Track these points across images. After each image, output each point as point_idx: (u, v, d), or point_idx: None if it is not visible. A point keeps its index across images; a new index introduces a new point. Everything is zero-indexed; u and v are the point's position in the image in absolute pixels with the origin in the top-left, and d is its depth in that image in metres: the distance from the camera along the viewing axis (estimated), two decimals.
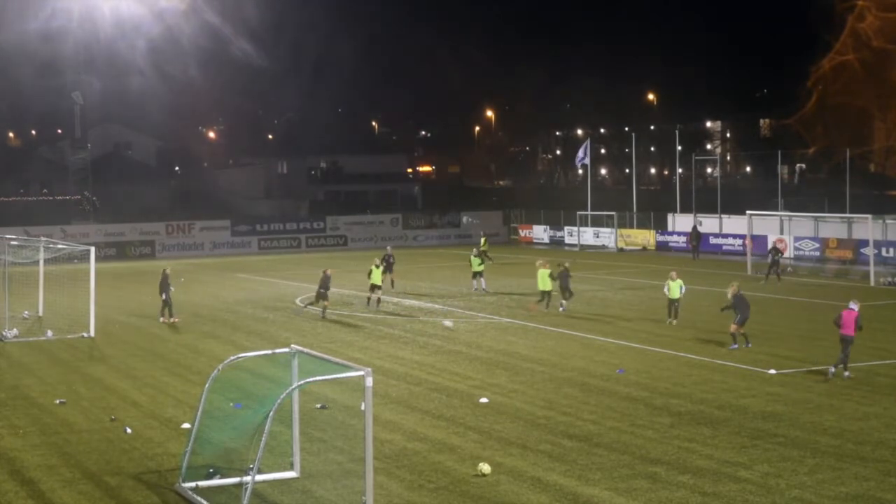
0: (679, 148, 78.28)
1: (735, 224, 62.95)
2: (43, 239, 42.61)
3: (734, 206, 64.79)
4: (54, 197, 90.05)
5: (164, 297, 37.64)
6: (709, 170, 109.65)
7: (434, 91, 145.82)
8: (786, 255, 58.90)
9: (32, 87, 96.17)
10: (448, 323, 29.89)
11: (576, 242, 71.57)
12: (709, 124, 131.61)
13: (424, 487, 17.89)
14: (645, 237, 68.62)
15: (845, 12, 71.52)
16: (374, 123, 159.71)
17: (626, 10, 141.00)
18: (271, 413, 16.19)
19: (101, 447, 20.78)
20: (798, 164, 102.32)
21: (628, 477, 18.20)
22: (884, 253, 53.38)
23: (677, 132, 79.06)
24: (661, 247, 66.69)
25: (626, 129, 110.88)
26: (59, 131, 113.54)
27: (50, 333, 34.84)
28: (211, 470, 18.43)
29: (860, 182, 78.69)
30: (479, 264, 45.56)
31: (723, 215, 65.46)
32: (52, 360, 30.59)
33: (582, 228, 71.90)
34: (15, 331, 35.01)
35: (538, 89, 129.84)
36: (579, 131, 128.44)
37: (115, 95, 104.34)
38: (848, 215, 57.46)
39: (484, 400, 24.11)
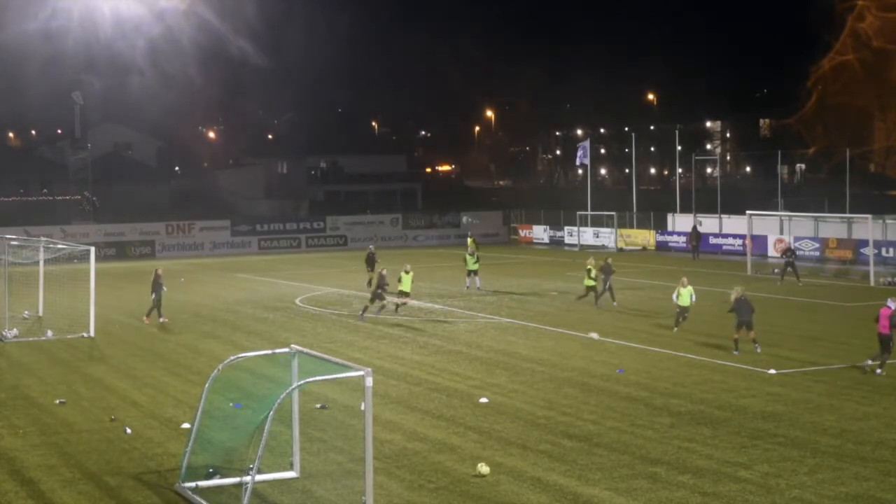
0: (679, 148, 78.27)
1: (735, 224, 62.95)
2: (43, 239, 42.62)
3: (734, 206, 64.79)
4: (54, 197, 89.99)
5: (153, 296, 37.56)
6: (709, 170, 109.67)
7: (434, 91, 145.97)
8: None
9: (32, 87, 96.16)
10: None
11: (576, 242, 71.56)
12: (709, 124, 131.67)
13: (424, 487, 17.89)
14: (645, 237, 68.61)
15: (845, 12, 71.54)
16: (374, 123, 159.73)
17: (626, 10, 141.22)
18: (271, 413, 16.19)
19: (101, 447, 20.79)
20: (798, 164, 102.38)
21: (628, 477, 18.20)
22: (884, 253, 53.37)
23: (677, 132, 79.06)
24: (661, 247, 66.69)
25: (626, 129, 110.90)
26: (59, 131, 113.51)
27: (50, 333, 34.83)
28: (211, 470, 18.43)
29: (860, 182, 78.74)
30: (475, 263, 45.75)
31: (723, 215, 65.45)
32: (52, 360, 30.59)
33: (582, 228, 71.90)
34: (15, 331, 35.01)
35: (538, 89, 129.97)
36: (579, 131, 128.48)
37: (115, 95, 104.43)
38: (848, 215, 57.46)
39: (484, 400, 24.12)
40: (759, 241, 58.86)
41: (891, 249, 54.14)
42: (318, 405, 23.34)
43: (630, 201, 73.94)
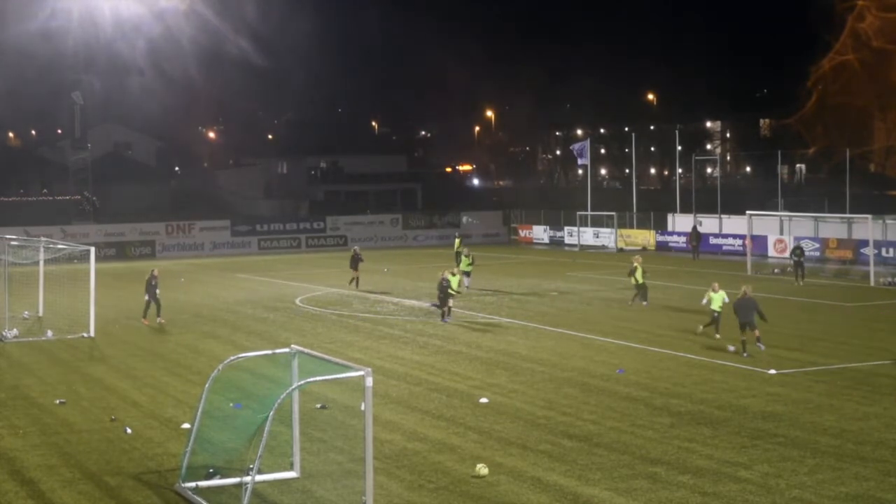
0: (679, 148, 78.28)
1: (735, 224, 62.96)
2: (43, 239, 42.62)
3: (734, 206, 64.80)
4: (54, 197, 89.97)
5: (146, 297, 37.50)
6: (709, 170, 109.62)
7: (434, 91, 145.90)
8: (786, 255, 58.90)
9: (32, 87, 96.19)
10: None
11: (576, 243, 71.58)
12: (709, 124, 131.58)
13: (424, 487, 17.90)
14: (645, 237, 68.62)
15: (845, 12, 71.51)
16: (374, 123, 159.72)
17: (626, 10, 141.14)
18: (271, 413, 16.19)
19: (101, 447, 20.78)
20: (798, 164, 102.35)
21: (628, 477, 18.20)
22: (884, 253, 53.38)
23: (677, 132, 79.06)
24: (661, 247, 66.69)
25: (626, 129, 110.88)
26: (59, 131, 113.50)
27: (50, 333, 34.84)
28: (211, 470, 18.43)
29: (860, 182, 78.70)
30: (468, 264, 45.82)
31: (723, 215, 65.47)
32: (52, 360, 30.59)
33: (582, 228, 71.91)
34: (15, 331, 35.01)
35: (538, 89, 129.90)
36: (579, 131, 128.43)
37: (115, 95, 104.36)
38: (848, 215, 57.47)
39: (484, 400, 24.12)
40: (759, 241, 58.87)
41: (891, 249, 54.15)
42: (318, 405, 23.34)
43: (630, 201, 73.97)
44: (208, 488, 17.77)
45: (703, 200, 68.71)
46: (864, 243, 51.74)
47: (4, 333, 34.68)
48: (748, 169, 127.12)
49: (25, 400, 25.28)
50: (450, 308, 36.89)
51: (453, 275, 37.79)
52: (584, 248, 70.01)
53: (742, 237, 58.89)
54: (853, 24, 71.24)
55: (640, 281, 39.36)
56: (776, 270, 51.98)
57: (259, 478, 16.99)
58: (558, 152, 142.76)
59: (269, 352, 20.46)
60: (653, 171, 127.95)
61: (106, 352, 31.91)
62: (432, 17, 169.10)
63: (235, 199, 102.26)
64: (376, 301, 42.95)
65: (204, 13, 79.63)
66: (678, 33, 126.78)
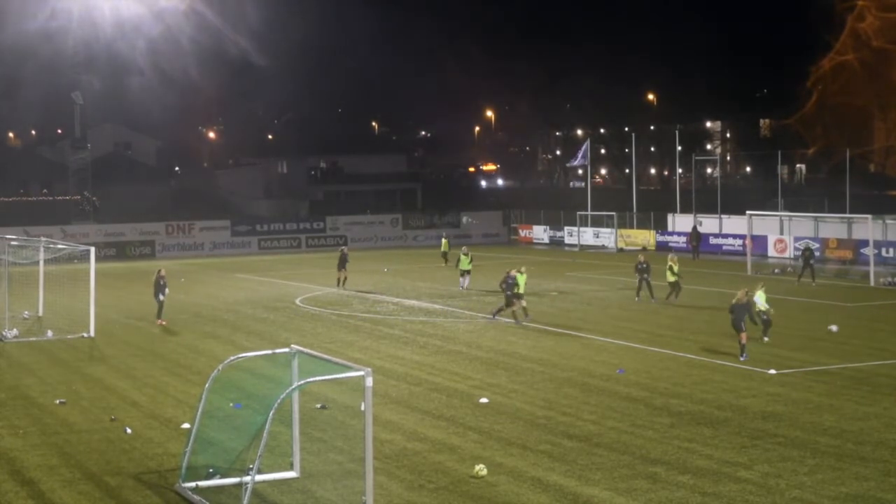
0: (679, 148, 78.28)
1: (735, 224, 62.96)
2: (43, 239, 42.61)
3: (734, 206, 64.80)
4: (54, 197, 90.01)
5: (158, 298, 37.23)
6: (709, 170, 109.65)
7: (434, 91, 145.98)
8: (786, 255, 58.99)
9: (32, 87, 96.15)
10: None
11: (576, 243, 71.58)
12: (709, 124, 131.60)
13: (424, 487, 17.89)
14: (645, 237, 68.62)
15: (845, 12, 71.57)
16: (374, 123, 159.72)
17: (626, 10, 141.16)
18: (271, 413, 16.19)
19: (101, 447, 20.78)
20: (798, 165, 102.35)
21: (628, 477, 18.20)
22: (884, 253, 53.38)
23: (677, 132, 79.06)
24: (661, 247, 66.65)
25: (626, 129, 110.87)
26: (59, 131, 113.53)
27: (50, 333, 34.84)
28: (211, 470, 18.42)
29: (860, 182, 78.72)
30: (468, 263, 45.85)
31: (723, 215, 65.46)
32: (52, 360, 30.59)
33: (582, 228, 71.91)
34: (15, 331, 35.01)
35: (538, 89, 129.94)
36: (579, 131, 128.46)
37: (115, 95, 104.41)
38: (848, 215, 57.46)
39: (484, 400, 24.11)
40: (759, 242, 58.88)
41: (891, 249, 54.15)
42: (318, 405, 23.34)
43: (630, 201, 73.96)
44: (208, 488, 17.77)
45: (703, 200, 68.71)
46: (864, 243, 51.74)
47: (4, 333, 34.68)
48: (748, 169, 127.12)
49: (25, 400, 25.28)
50: (524, 308, 35.92)
51: (521, 273, 36.38)
52: (584, 248, 70.00)
53: (742, 237, 58.89)
54: (853, 24, 71.30)
55: (674, 278, 39.69)
56: (776, 270, 51.98)
57: (259, 478, 16.99)
58: (558, 152, 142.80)
59: (269, 352, 20.46)
60: (653, 171, 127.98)
61: (106, 352, 31.91)
62: (433, 17, 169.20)
63: (235, 199, 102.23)
64: (376, 301, 42.95)
65: (204, 13, 79.69)
66: (678, 33, 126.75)
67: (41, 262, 40.24)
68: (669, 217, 69.33)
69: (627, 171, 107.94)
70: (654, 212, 70.77)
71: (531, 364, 28.43)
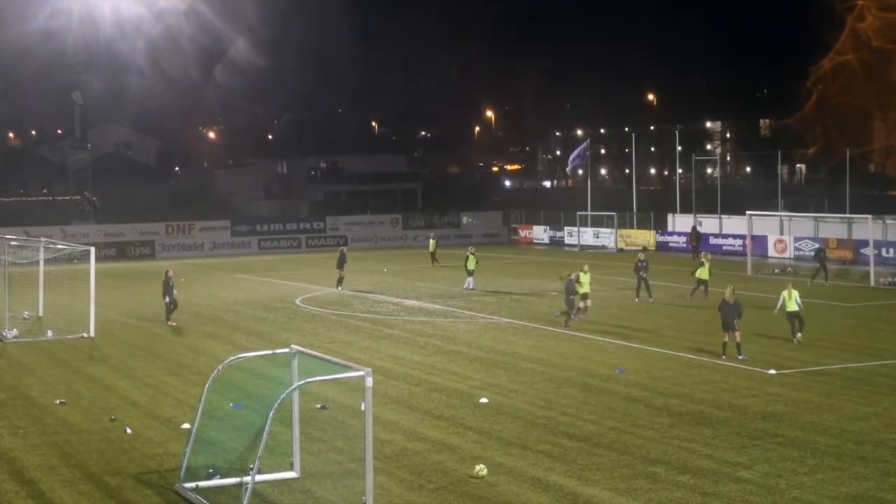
0: (679, 148, 78.27)
1: (735, 224, 62.96)
2: (43, 239, 42.63)
3: (734, 207, 64.78)
4: (54, 197, 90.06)
5: (165, 299, 37.17)
6: (709, 170, 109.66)
7: (434, 91, 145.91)
8: (786, 255, 58.99)
9: (32, 87, 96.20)
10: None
11: (576, 243, 71.58)
12: (709, 124, 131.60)
13: (424, 487, 17.89)
14: (645, 237, 68.61)
15: (845, 12, 71.60)
16: (374, 123, 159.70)
17: (626, 10, 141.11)
18: (271, 413, 16.19)
19: (101, 447, 20.78)
20: (798, 165, 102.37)
21: (628, 477, 18.20)
22: (884, 253, 53.38)
23: (677, 132, 79.05)
24: (661, 247, 66.69)
25: (626, 129, 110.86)
26: (59, 131, 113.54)
27: (50, 333, 34.84)
28: (211, 470, 18.43)
29: (860, 182, 78.70)
30: (475, 263, 45.95)
31: (723, 215, 65.46)
32: (52, 360, 30.59)
33: (582, 229, 71.91)
34: (15, 331, 35.01)
35: (538, 89, 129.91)
36: (579, 131, 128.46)
37: (115, 95, 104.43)
38: (848, 215, 57.45)
39: (484, 400, 24.11)
40: (759, 242, 58.87)
41: (891, 249, 54.15)
42: (318, 405, 23.34)
43: (630, 201, 73.96)
44: (208, 488, 17.77)
45: (703, 200, 68.71)
46: (864, 243, 51.73)
47: (4, 333, 34.68)
48: (748, 169, 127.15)
49: (25, 400, 25.28)
50: (584, 307, 35.58)
51: (584, 272, 36.00)
52: (584, 248, 70.00)
53: (742, 237, 58.89)
54: (853, 24, 71.33)
55: (706, 277, 39.98)
56: (776, 270, 51.97)
57: (259, 478, 16.99)
58: (558, 152, 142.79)
59: (269, 352, 20.47)
60: (653, 171, 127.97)
61: (106, 352, 31.91)
62: (433, 17, 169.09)
63: (235, 199, 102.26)
64: (376, 301, 42.96)
65: (204, 13, 79.73)
66: (678, 33, 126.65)
67: (41, 262, 40.24)
68: (669, 217, 69.33)
69: (627, 171, 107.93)
70: (654, 212, 70.77)
71: (531, 364, 28.43)
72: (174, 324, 36.82)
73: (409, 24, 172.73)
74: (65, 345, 33.29)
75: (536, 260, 62.39)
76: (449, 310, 39.68)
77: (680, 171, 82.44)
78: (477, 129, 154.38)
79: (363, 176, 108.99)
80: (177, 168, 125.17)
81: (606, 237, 70.47)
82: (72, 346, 33.17)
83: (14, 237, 43.27)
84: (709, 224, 65.44)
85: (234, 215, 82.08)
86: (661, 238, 67.59)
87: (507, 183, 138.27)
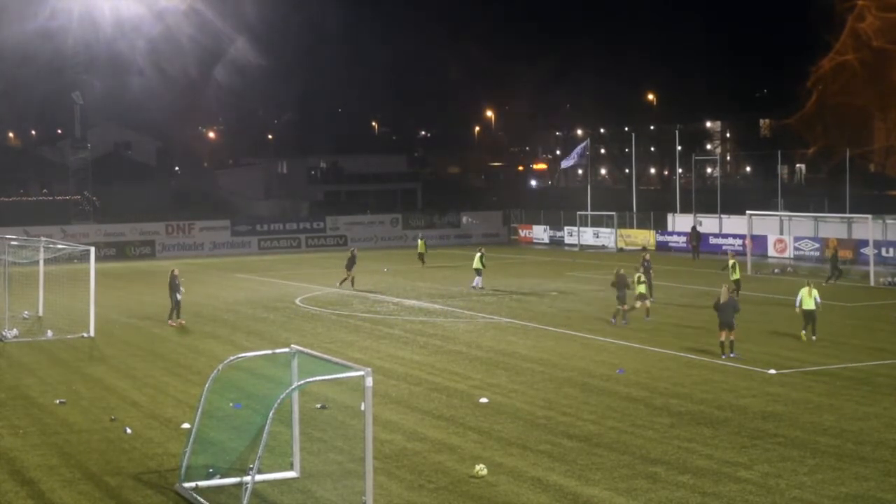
0: (679, 148, 78.27)
1: (735, 224, 62.95)
2: (43, 239, 42.59)
3: (734, 206, 64.79)
4: (54, 197, 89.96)
5: (175, 298, 37.07)
6: (709, 170, 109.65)
7: (434, 91, 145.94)
8: (786, 254, 58.98)
9: (32, 87, 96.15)
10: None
11: (576, 242, 71.58)
12: (709, 124, 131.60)
13: (424, 487, 17.89)
14: (645, 237, 68.61)
15: (845, 12, 71.56)
16: (374, 123, 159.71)
17: (626, 10, 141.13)
18: (271, 413, 16.18)
19: (101, 447, 20.78)
20: (798, 164, 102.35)
21: (628, 477, 18.20)
22: (884, 253, 53.38)
23: (677, 132, 79.04)
24: (661, 247, 66.67)
25: (626, 129, 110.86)
26: (59, 131, 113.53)
27: (50, 333, 34.83)
28: (211, 470, 18.43)
29: (860, 182, 78.70)
30: (481, 262, 46.02)
31: (723, 215, 65.46)
32: (52, 360, 30.59)
33: (582, 228, 71.91)
34: (15, 331, 35.01)
35: (538, 89, 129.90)
36: (579, 131, 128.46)
37: (115, 95, 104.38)
38: (848, 215, 57.45)
39: (484, 400, 24.11)
40: (759, 241, 58.87)
41: (891, 249, 54.15)
42: (318, 405, 23.34)
43: (630, 201, 73.95)
44: (208, 488, 17.77)
45: (703, 200, 68.70)
46: (864, 243, 51.73)
47: (4, 333, 34.68)
48: (748, 169, 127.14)
49: (25, 400, 25.28)
50: (632, 309, 35.18)
51: (639, 274, 35.81)
52: (584, 248, 70.00)
53: (742, 237, 58.88)
54: (853, 24, 71.30)
55: (738, 276, 40.08)
56: (776, 270, 51.97)
57: (259, 478, 16.99)
58: (558, 152, 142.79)
59: (269, 352, 20.46)
60: (653, 171, 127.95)
61: (106, 352, 31.91)
62: (432, 17, 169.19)
63: (235, 199, 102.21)
64: (376, 301, 42.96)
65: (204, 13, 79.71)
66: (678, 33, 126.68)
67: (41, 262, 40.23)
68: (669, 217, 69.32)
69: (627, 170, 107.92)
70: (654, 212, 70.76)
71: (531, 364, 28.43)
72: (173, 324, 36.81)
73: (410, 23, 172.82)
74: (65, 345, 33.29)
75: (536, 260, 62.39)
76: (449, 310, 39.68)
77: (680, 170, 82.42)
78: (477, 128, 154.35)
79: (363, 176, 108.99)
80: (177, 168, 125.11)
81: (606, 237, 70.46)
82: (72, 346, 33.17)
83: (14, 237, 43.24)
84: (709, 224, 65.44)
85: (234, 215, 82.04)
86: (661, 238, 67.59)
87: (533, 183, 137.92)
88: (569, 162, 75.40)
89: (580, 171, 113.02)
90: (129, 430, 21.90)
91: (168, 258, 66.53)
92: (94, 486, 18.34)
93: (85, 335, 34.51)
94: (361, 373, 15.73)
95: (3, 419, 23.29)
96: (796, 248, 59.08)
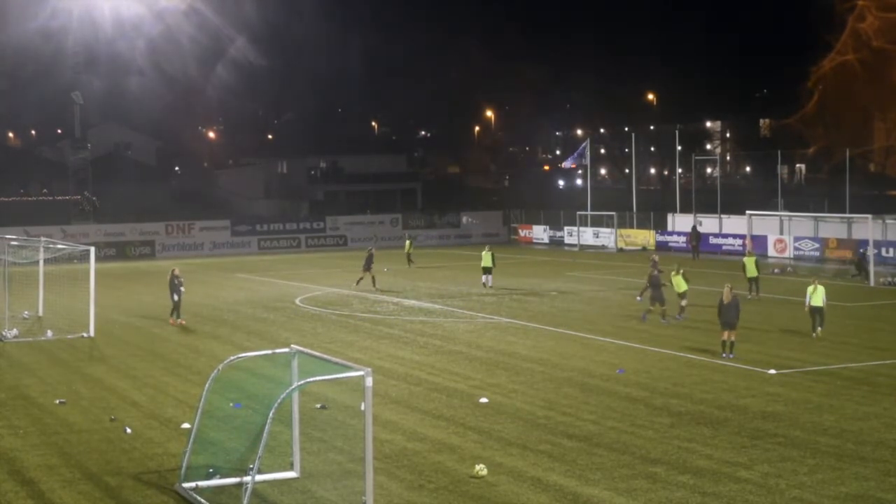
0: (679, 148, 78.26)
1: (735, 224, 62.97)
2: (43, 239, 42.60)
3: (734, 206, 64.80)
4: (54, 197, 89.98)
5: (174, 298, 37.14)
6: (709, 170, 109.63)
7: (434, 91, 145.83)
8: (786, 254, 58.99)
9: (32, 87, 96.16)
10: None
11: (576, 242, 71.58)
12: (709, 124, 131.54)
13: (424, 487, 17.89)
14: (645, 237, 68.62)
15: (845, 12, 71.58)
16: (374, 123, 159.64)
17: (625, 10, 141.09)
18: (271, 413, 16.18)
19: (101, 447, 20.78)
20: (798, 164, 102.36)
21: (628, 477, 18.20)
22: (884, 253, 53.38)
23: (677, 132, 79.04)
24: (661, 247, 66.66)
25: (626, 129, 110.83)
26: (59, 131, 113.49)
27: (50, 333, 34.83)
28: (211, 470, 18.43)
29: (860, 182, 78.72)
30: (490, 260, 46.19)
31: (723, 215, 65.47)
32: (52, 360, 30.59)
33: (582, 228, 71.91)
34: (15, 331, 35.01)
35: (538, 89, 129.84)
36: (579, 131, 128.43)
37: (115, 95, 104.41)
38: (848, 215, 57.46)
39: (484, 400, 24.11)
40: (759, 241, 58.87)
41: (891, 249, 54.15)
42: (318, 405, 23.34)
43: (630, 201, 73.95)
44: (208, 488, 17.77)
45: (703, 200, 68.71)
46: (864, 243, 51.72)
47: (4, 333, 34.68)
48: (748, 169, 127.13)
49: (25, 400, 25.28)
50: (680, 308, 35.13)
51: (676, 272, 35.46)
52: (584, 248, 70.01)
53: (742, 237, 58.89)
54: (853, 24, 71.31)
55: (755, 273, 40.45)
56: (776, 270, 51.96)
57: (259, 478, 16.98)
58: (558, 152, 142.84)
59: (269, 352, 20.46)
60: (653, 171, 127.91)
61: (106, 352, 31.91)
62: (432, 17, 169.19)
63: (235, 199, 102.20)
64: (376, 301, 42.96)
65: (204, 13, 79.71)
66: (678, 33, 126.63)
67: (41, 262, 40.24)
68: (669, 217, 69.34)
69: (627, 171, 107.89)
70: (653, 212, 70.79)
71: (531, 364, 28.43)
72: (174, 323, 36.83)
73: (410, 23, 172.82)
74: (65, 345, 33.29)
75: (536, 260, 62.39)
76: (449, 310, 39.68)
77: (680, 170, 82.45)
78: (477, 128, 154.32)
79: (363, 176, 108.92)
80: (177, 168, 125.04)
81: (606, 237, 70.46)
82: (72, 346, 33.17)
83: (14, 237, 43.26)
84: (709, 224, 65.44)
85: (234, 215, 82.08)
86: (660, 238, 67.59)
87: (561, 183, 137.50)
88: (569, 163, 75.46)
89: (580, 171, 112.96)
90: (129, 430, 21.90)
91: (168, 258, 66.54)
92: (94, 486, 18.34)
93: (85, 335, 34.51)
94: (361, 373, 15.73)
95: (3, 419, 23.29)
96: (796, 248, 59.09)
